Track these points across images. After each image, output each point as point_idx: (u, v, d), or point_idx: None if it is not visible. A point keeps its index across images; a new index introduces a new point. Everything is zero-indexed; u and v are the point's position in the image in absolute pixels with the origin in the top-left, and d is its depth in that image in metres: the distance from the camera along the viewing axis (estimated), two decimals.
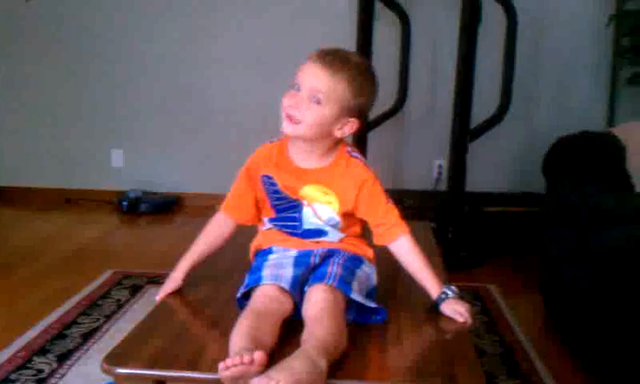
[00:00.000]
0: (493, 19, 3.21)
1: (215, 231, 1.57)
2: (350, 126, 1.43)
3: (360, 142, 3.72)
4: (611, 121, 3.93)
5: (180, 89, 4.30)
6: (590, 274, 2.00)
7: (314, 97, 1.37)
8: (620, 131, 2.64)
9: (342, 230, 1.50)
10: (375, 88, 1.47)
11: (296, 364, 1.09)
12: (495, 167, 4.14)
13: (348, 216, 1.48)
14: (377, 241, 1.50)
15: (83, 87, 4.35)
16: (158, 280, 2.76)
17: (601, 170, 2.46)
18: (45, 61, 4.34)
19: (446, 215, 3.18)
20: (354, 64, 1.40)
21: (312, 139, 1.42)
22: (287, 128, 1.39)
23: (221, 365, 1.09)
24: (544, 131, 3.78)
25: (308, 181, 1.45)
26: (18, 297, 2.64)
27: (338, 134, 1.42)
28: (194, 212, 4.19)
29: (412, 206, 3.38)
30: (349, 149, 1.49)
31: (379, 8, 3.73)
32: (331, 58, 1.38)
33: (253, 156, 1.52)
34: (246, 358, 1.10)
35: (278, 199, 1.48)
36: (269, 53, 4.15)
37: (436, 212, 3.30)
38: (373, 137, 3.80)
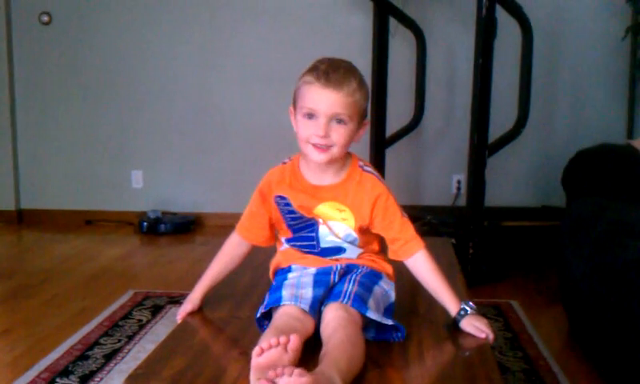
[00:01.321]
0: (509, 33, 3.20)
1: (230, 253, 1.58)
2: (364, 128, 1.44)
3: (378, 157, 3.73)
4: (630, 133, 3.90)
5: (197, 109, 4.34)
6: (611, 287, 1.98)
7: (335, 119, 1.37)
8: None
9: (360, 246, 1.50)
10: None
11: None
12: (514, 181, 4.12)
13: (365, 232, 1.48)
14: (392, 256, 1.49)
15: (102, 109, 4.40)
16: (178, 300, 2.77)
17: (621, 183, 2.44)
18: (64, 84, 4.40)
19: (466, 230, 3.17)
20: (353, 71, 1.40)
21: (341, 157, 1.42)
22: (320, 157, 1.38)
23: (255, 351, 1.10)
24: (562, 144, 3.77)
25: (322, 198, 1.45)
26: (41, 318, 2.66)
27: (356, 139, 1.43)
28: (213, 231, 4.21)
29: (432, 221, 3.37)
30: (361, 163, 1.49)
31: (394, 25, 3.75)
32: (337, 76, 1.36)
33: (265, 178, 1.52)
34: (282, 339, 1.11)
35: (293, 219, 1.48)
36: (285, 71, 4.16)
37: (456, 227, 3.29)
38: (391, 153, 3.81)
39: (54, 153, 4.48)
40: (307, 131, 1.38)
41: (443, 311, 1.43)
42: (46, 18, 4.31)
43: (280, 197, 1.48)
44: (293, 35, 4.17)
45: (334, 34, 4.08)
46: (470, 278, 2.93)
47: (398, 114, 3.80)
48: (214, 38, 4.27)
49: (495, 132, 3.19)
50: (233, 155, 4.31)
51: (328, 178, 1.46)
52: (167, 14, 4.28)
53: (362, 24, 3.92)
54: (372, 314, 1.34)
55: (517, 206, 3.96)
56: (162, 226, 4.16)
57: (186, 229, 4.24)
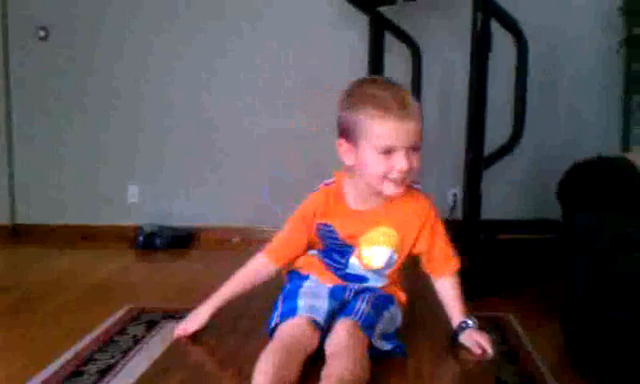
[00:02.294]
0: (506, 47, 3.21)
1: (255, 275, 1.52)
2: None
3: None
4: (625, 145, 3.91)
5: (194, 124, 4.34)
6: (611, 300, 1.97)
7: (416, 148, 1.34)
8: (635, 156, 2.62)
9: (389, 276, 1.48)
10: None
11: None
12: (510, 194, 4.12)
13: (406, 253, 1.46)
14: (430, 270, 1.49)
15: (98, 124, 4.40)
16: (173, 315, 2.75)
17: (617, 195, 2.44)
18: (60, 99, 4.40)
19: (463, 244, 3.16)
20: (407, 91, 1.38)
21: None
22: (399, 190, 1.35)
23: None
24: (558, 157, 3.75)
25: (372, 223, 1.42)
26: (35, 334, 2.64)
27: None
28: (209, 246, 4.19)
29: None
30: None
31: (390, 39, 3.76)
32: (408, 106, 1.33)
33: (308, 204, 1.46)
34: None
35: (334, 244, 1.46)
36: (281, 87, 4.18)
37: (452, 241, 3.28)
38: None
39: (49, 167, 4.47)
40: (386, 167, 1.33)
41: (443, 328, 1.43)
42: (42, 33, 4.31)
43: (324, 224, 1.45)
44: (288, 52, 4.18)
45: (330, 49, 4.09)
46: (467, 291, 2.92)
47: None
48: (210, 54, 4.28)
49: (493, 145, 3.20)
50: (229, 170, 4.31)
51: (376, 201, 1.42)
52: (164, 29, 4.29)
53: (357, 39, 3.93)
54: (375, 342, 1.33)
55: (513, 219, 3.96)
56: (158, 241, 4.14)
57: (182, 243, 4.22)
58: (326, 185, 1.47)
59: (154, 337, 2.57)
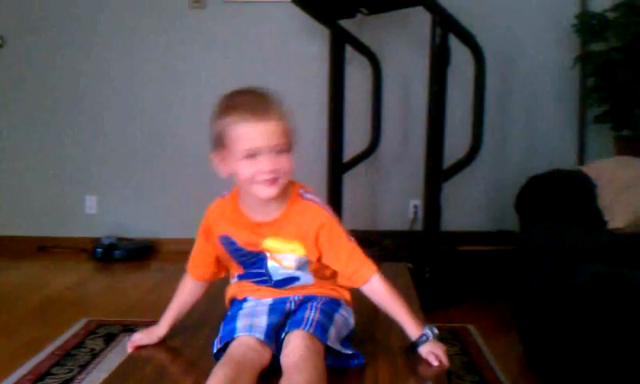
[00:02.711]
0: (465, 60, 3.26)
1: (187, 290, 1.56)
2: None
3: (335, 183, 3.75)
4: (581, 159, 4.01)
5: (153, 134, 4.30)
6: (563, 311, 2.01)
7: (276, 151, 1.33)
8: (590, 169, 2.69)
9: (313, 270, 1.47)
10: None
11: None
12: (470, 206, 4.18)
13: (316, 260, 1.45)
14: (346, 284, 1.48)
15: (56, 133, 4.33)
16: (132, 328, 2.71)
17: (572, 208, 2.50)
18: (16, 108, 4.32)
19: (423, 255, 3.19)
20: (269, 95, 1.38)
21: (285, 186, 1.39)
22: (269, 191, 1.34)
23: None
24: (517, 169, 3.84)
25: (267, 235, 1.42)
26: None
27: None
28: (168, 257, 4.15)
29: (389, 246, 3.39)
30: (301, 190, 1.44)
31: (350, 52, 3.79)
32: (263, 106, 1.33)
33: (205, 216, 1.49)
34: None
35: (241, 256, 1.45)
36: None
37: (412, 252, 3.31)
38: (348, 178, 3.83)
39: (5, 177, 4.38)
40: (251, 171, 1.33)
41: (400, 338, 1.43)
42: None
43: (224, 236, 1.45)
44: (250, 64, 4.17)
45: (291, 62, 4.10)
46: (427, 302, 2.95)
47: (354, 139, 3.83)
48: (172, 66, 4.25)
49: (454, 155, 3.24)
50: (189, 181, 4.27)
51: (270, 213, 1.41)
52: (126, 38, 4.25)
53: (318, 51, 3.95)
54: (333, 344, 1.33)
55: (473, 231, 4.01)
56: (117, 253, 4.09)
57: (141, 255, 4.17)
58: (222, 197, 1.49)
59: (113, 350, 2.54)
